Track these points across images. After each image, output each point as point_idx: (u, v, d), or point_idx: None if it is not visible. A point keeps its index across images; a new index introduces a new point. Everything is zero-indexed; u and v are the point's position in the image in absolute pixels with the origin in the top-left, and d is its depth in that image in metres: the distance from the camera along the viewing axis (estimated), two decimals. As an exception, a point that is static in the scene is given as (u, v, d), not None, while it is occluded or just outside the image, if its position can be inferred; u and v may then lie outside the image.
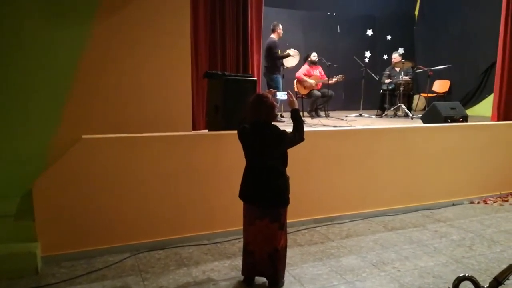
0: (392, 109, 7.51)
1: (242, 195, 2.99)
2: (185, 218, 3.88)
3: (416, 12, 10.12)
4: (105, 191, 3.56)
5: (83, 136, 3.50)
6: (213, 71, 4.30)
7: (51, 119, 3.82)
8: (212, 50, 4.69)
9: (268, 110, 2.83)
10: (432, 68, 7.44)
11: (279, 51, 6.70)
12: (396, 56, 8.01)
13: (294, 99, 3.12)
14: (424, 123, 5.53)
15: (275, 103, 2.90)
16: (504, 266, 2.22)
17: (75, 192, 3.46)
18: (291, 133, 2.96)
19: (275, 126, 2.89)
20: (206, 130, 4.34)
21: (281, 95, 3.76)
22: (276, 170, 2.90)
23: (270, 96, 2.91)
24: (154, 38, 4.09)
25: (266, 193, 2.88)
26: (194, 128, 4.57)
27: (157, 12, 4.09)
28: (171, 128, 4.01)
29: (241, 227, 3.04)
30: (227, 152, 3.87)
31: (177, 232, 3.85)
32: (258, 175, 2.89)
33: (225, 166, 3.88)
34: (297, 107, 3.08)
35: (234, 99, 3.85)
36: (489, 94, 7.81)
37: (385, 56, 9.24)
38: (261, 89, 6.01)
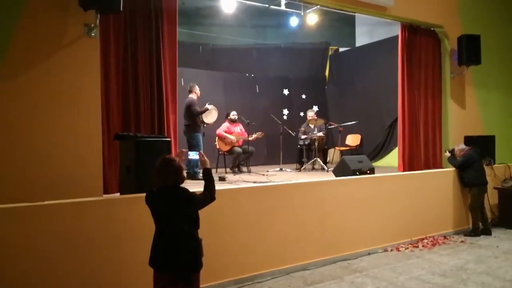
0: (309, 163, 7.85)
1: (153, 262, 2.85)
2: (94, 291, 3.60)
3: (326, 74, 11.00)
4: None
5: (-26, 208, 3.19)
6: (125, 133, 4.23)
7: None
8: (126, 112, 4.64)
9: (176, 173, 2.81)
10: (342, 124, 8.01)
11: (198, 108, 6.83)
12: (310, 114, 8.53)
13: (206, 158, 3.15)
14: (336, 176, 5.83)
15: (182, 165, 2.90)
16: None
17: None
18: (201, 193, 2.95)
19: (184, 188, 2.86)
20: (118, 194, 4.17)
21: (193, 155, 3.78)
22: (187, 234, 2.83)
23: (177, 158, 2.91)
24: (59, 96, 3.98)
25: (177, 259, 2.78)
26: (107, 191, 4.38)
27: (63, 69, 4.02)
28: (80, 193, 3.81)
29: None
30: (140, 217, 3.71)
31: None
32: (169, 240, 2.79)
33: (138, 231, 3.71)
34: (208, 166, 3.11)
35: (147, 161, 3.76)
36: (396, 146, 8.51)
37: (302, 113, 9.80)
38: (181, 147, 5.99)
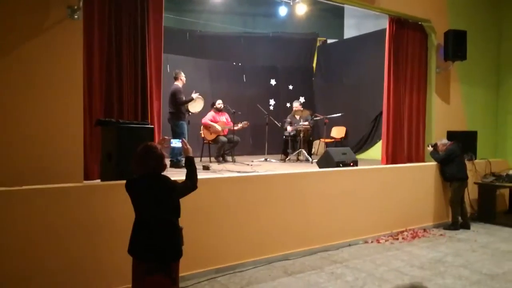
0: (294, 154, 7.86)
1: (132, 250, 2.82)
2: (75, 280, 3.56)
3: (314, 65, 10.98)
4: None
5: None
6: (107, 119, 4.16)
7: None
8: (108, 97, 4.54)
9: (157, 160, 2.78)
10: (328, 116, 8.02)
11: (184, 97, 6.75)
12: (296, 105, 8.51)
13: (188, 146, 3.10)
14: (319, 167, 5.85)
15: (164, 153, 2.86)
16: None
17: None
18: (183, 182, 2.93)
19: (165, 176, 2.83)
20: (99, 180, 4.11)
21: (175, 143, 3.70)
22: (167, 222, 2.81)
23: (159, 146, 2.87)
24: (39, 80, 3.89)
25: (157, 247, 2.75)
26: (88, 178, 4.31)
27: (45, 51, 3.92)
28: (60, 178, 3.75)
29: (133, 285, 2.85)
30: (121, 204, 3.67)
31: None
32: (148, 229, 2.77)
33: (118, 218, 3.67)
34: (191, 154, 3.07)
35: (128, 147, 3.69)
36: (380, 139, 8.56)
37: (288, 104, 9.77)
38: (165, 134, 5.94)
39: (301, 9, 8.27)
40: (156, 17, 4.92)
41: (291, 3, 8.20)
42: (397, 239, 5.82)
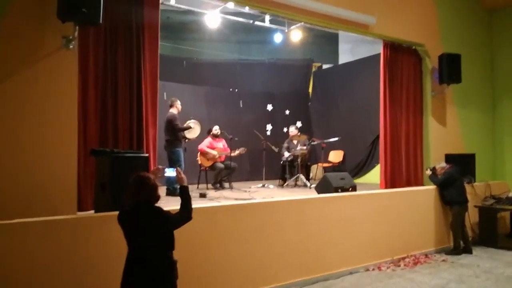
0: (292, 179, 7.79)
1: (124, 285, 2.72)
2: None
3: (310, 90, 11.05)
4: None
5: None
6: (101, 148, 4.11)
7: None
8: (103, 126, 4.51)
9: (150, 191, 2.72)
10: (325, 141, 8.00)
11: (180, 124, 6.73)
12: (292, 130, 8.50)
13: (183, 175, 3.04)
14: (318, 193, 5.77)
15: (157, 183, 2.80)
16: None
17: None
18: (177, 213, 2.85)
19: (158, 207, 2.76)
20: (93, 211, 4.02)
21: (170, 172, 3.64)
22: (161, 255, 2.72)
23: (152, 176, 2.81)
24: (34, 109, 3.86)
25: (150, 282, 2.66)
26: (82, 209, 4.23)
27: (40, 80, 3.92)
28: (54, 210, 3.67)
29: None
30: (115, 236, 3.57)
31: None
32: (141, 262, 2.68)
33: (113, 251, 3.56)
34: (185, 184, 2.99)
35: (123, 177, 3.63)
36: (377, 163, 8.51)
37: (285, 129, 9.77)
38: (161, 162, 5.89)
39: (296, 36, 8.37)
40: (151, 45, 4.93)
41: (286, 30, 8.31)
42: (399, 265, 5.68)
